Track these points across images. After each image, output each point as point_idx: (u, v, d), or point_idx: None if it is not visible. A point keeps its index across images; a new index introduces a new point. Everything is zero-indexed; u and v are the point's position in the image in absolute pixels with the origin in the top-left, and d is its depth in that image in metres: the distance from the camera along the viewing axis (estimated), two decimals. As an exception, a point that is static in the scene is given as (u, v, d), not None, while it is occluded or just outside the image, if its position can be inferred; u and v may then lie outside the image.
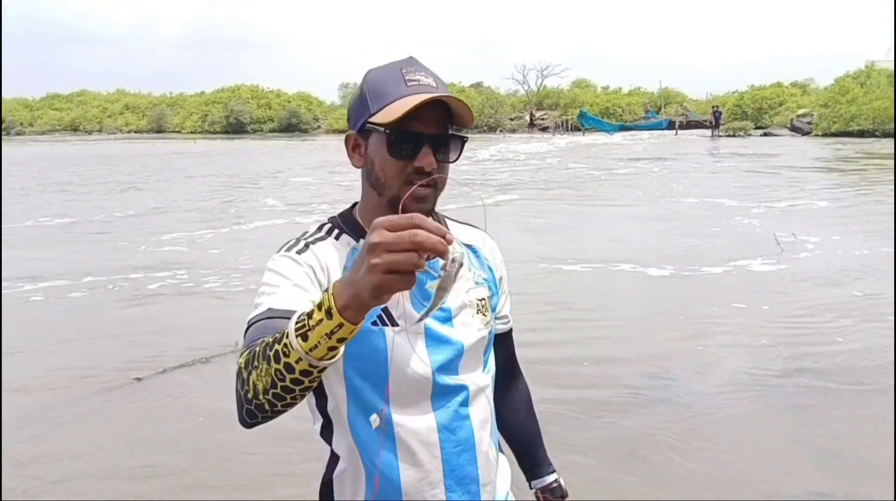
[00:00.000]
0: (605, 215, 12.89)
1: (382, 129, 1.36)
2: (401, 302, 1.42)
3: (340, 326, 1.08)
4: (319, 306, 1.10)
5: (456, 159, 1.43)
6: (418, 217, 1.04)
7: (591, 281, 7.92)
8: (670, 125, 48.66)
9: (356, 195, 1.58)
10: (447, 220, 1.60)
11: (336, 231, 1.49)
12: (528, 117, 55.86)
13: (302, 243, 1.44)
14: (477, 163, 25.63)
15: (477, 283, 1.55)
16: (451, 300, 1.47)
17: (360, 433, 1.43)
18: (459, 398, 1.48)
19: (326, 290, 1.12)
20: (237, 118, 65.14)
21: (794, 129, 41.54)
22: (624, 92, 61.49)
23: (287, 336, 1.13)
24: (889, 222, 11.19)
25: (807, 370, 5.23)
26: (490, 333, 1.56)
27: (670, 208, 13.62)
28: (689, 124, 49.07)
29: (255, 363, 1.17)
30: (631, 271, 8.42)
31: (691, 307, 6.90)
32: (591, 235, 11.00)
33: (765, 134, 41.31)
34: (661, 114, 52.90)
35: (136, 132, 68.95)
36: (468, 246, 1.58)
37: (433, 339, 1.45)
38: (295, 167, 24.78)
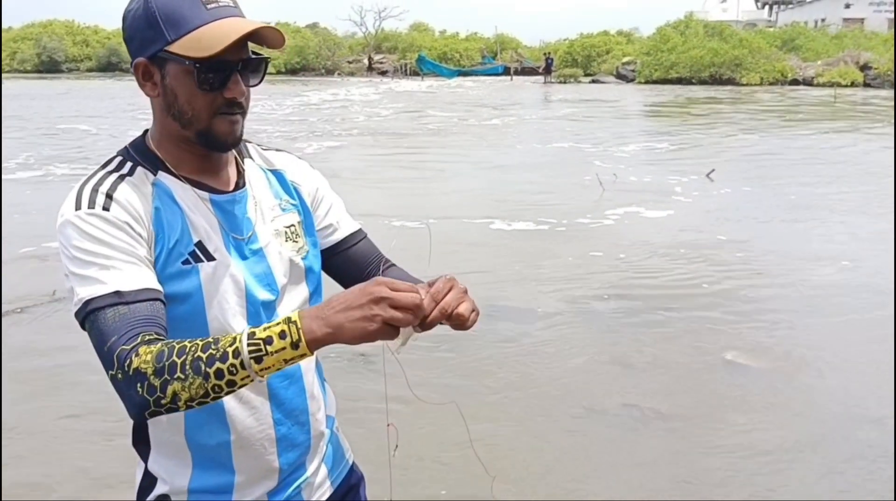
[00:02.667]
0: (468, 166, 13.05)
1: (188, 62, 1.27)
2: (210, 236, 1.36)
3: (304, 355, 1.13)
4: (281, 335, 1.12)
5: (259, 82, 1.38)
6: (422, 288, 1.15)
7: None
8: (506, 71, 49.64)
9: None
10: (253, 147, 1.54)
11: (129, 164, 1.35)
12: (366, 61, 55.10)
13: (102, 195, 1.27)
14: (312, 107, 25.13)
15: (283, 209, 1.49)
16: (260, 233, 1.42)
17: None
18: None
19: (289, 320, 1.13)
20: (50, 56, 60.02)
21: (620, 76, 43.54)
22: (461, 37, 61.89)
23: (236, 356, 1.12)
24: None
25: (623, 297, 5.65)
26: (306, 258, 1.49)
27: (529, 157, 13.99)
28: (524, 70, 50.24)
29: (180, 375, 1.13)
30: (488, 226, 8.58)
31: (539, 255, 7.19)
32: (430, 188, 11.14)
33: (593, 81, 43.03)
34: (497, 60, 53.80)
35: (-69, 70, 62.13)
36: (273, 171, 1.52)
37: (246, 275, 1.38)
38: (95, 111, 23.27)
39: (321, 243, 1.57)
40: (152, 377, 1.13)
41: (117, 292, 1.20)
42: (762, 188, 10.14)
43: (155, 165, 1.36)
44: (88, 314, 1.19)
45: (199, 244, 1.34)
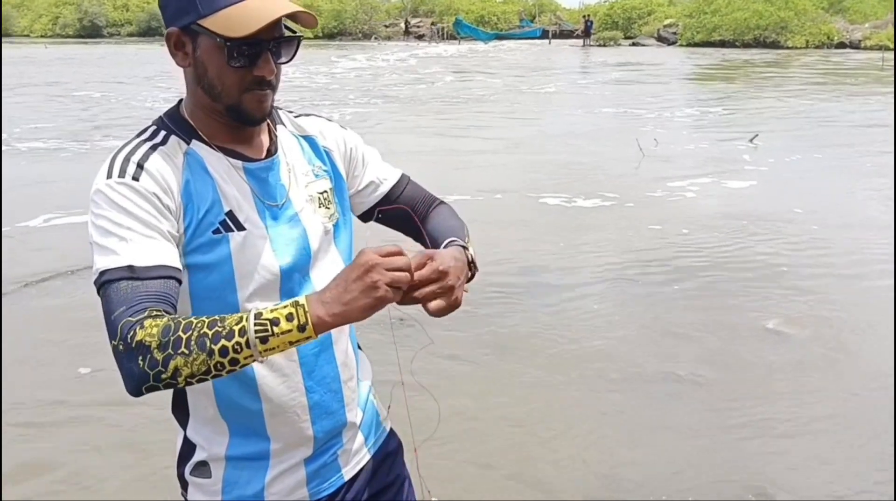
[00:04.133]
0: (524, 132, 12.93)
1: (219, 39, 1.27)
2: (241, 205, 1.36)
3: (309, 338, 1.17)
4: (289, 317, 1.15)
5: (290, 60, 1.37)
6: (425, 256, 1.23)
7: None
8: (544, 34, 48.93)
9: None
10: (284, 114, 1.54)
11: (163, 133, 1.36)
12: (403, 25, 54.73)
13: (133, 164, 1.28)
14: (353, 71, 25.07)
15: (316, 175, 1.49)
16: (294, 198, 1.43)
17: None
18: None
19: (297, 302, 1.17)
20: (92, 21, 60.68)
21: (661, 38, 42.69)
22: (499, 0, 61.14)
23: (241, 335, 1.14)
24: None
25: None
26: (337, 225, 1.50)
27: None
28: (562, 34, 49.50)
29: (184, 350, 1.14)
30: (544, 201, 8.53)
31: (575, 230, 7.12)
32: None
33: (633, 44, 42.27)
34: (535, 23, 53.05)
35: (-24, 36, 63.04)
36: (305, 137, 1.52)
37: (278, 242, 1.39)
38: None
39: (367, 200, 1.59)
40: (156, 350, 1.14)
41: (131, 267, 1.20)
42: (831, 157, 9.82)
43: (189, 134, 1.37)
44: (102, 285, 1.21)
45: (230, 214, 1.34)
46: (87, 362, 4.08)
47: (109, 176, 1.26)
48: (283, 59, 1.34)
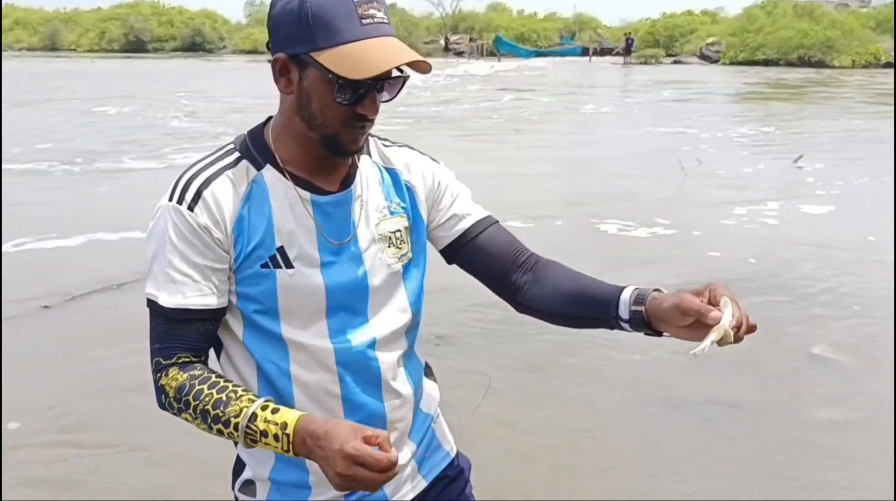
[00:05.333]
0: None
1: (332, 76, 1.25)
2: (295, 240, 1.35)
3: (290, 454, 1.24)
4: (276, 438, 1.23)
5: (393, 99, 1.34)
6: (393, 458, 1.18)
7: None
8: (584, 52, 48.82)
9: None
10: (374, 142, 1.50)
11: (236, 156, 1.36)
12: (442, 41, 55.02)
13: (193, 190, 1.30)
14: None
15: (392, 212, 1.45)
16: (361, 236, 1.40)
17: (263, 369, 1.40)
18: (366, 342, 1.40)
19: (285, 429, 1.22)
20: (137, 36, 61.74)
21: (703, 57, 42.30)
22: (539, 17, 61.24)
23: (235, 428, 1.25)
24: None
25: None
26: (407, 265, 1.46)
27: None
28: (602, 51, 49.35)
29: (191, 413, 1.29)
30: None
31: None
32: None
33: (675, 62, 41.98)
34: (576, 40, 52.98)
35: (28, 50, 64.69)
36: (389, 170, 1.48)
37: (333, 280, 1.37)
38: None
39: (448, 234, 1.52)
40: (172, 399, 1.31)
41: (167, 314, 1.31)
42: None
43: (265, 158, 1.36)
44: (149, 308, 1.33)
45: (281, 250, 1.34)
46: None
47: (171, 198, 1.31)
48: (387, 98, 1.33)
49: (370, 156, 1.46)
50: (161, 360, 1.32)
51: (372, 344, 1.41)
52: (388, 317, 1.43)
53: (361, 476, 1.16)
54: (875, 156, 11.21)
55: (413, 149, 1.54)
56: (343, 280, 1.37)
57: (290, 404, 1.35)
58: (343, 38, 1.24)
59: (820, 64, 36.60)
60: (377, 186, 1.44)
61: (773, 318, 4.92)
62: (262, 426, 1.23)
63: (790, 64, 37.21)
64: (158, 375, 1.32)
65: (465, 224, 1.51)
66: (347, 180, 1.40)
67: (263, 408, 1.25)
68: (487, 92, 23.70)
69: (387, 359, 1.43)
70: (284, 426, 1.22)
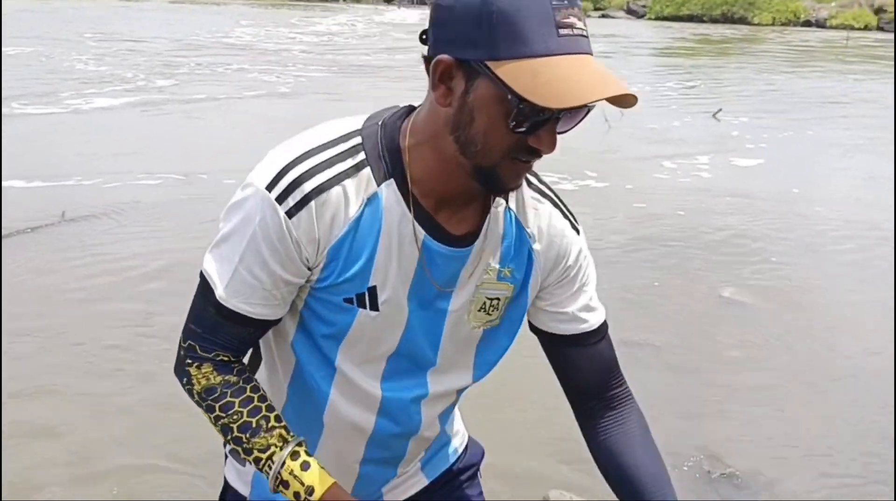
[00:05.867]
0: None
1: (512, 97, 0.97)
2: (390, 282, 1.15)
3: None
4: (295, 495, 1.13)
5: (570, 130, 1.07)
6: None
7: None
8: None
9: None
10: (534, 186, 1.24)
11: (361, 157, 1.11)
12: (370, -12, 53.84)
13: (300, 194, 1.07)
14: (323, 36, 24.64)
15: (500, 278, 1.22)
16: (457, 293, 1.20)
17: (304, 369, 1.25)
18: (416, 396, 1.27)
19: (310, 497, 1.12)
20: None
21: (630, 11, 42.70)
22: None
23: (255, 462, 1.16)
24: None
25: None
26: (489, 331, 1.27)
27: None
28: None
29: (212, 418, 1.18)
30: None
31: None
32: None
33: (602, 16, 42.24)
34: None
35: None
36: (520, 228, 1.22)
37: (411, 330, 1.21)
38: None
39: (547, 325, 1.30)
40: (196, 395, 1.18)
41: (227, 309, 1.14)
42: (809, 131, 10.06)
43: (393, 169, 1.12)
44: (200, 284, 1.16)
45: (372, 290, 1.15)
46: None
47: (272, 187, 1.08)
48: (564, 129, 1.05)
49: (507, 202, 1.21)
50: (198, 348, 1.17)
51: (421, 398, 1.28)
52: (449, 377, 1.29)
53: None
54: (796, 111, 11.68)
55: (558, 206, 1.26)
56: (420, 332, 1.21)
57: (316, 420, 1.27)
58: (533, 50, 0.97)
59: (742, 20, 37.49)
60: (497, 243, 1.20)
61: (691, 265, 5.26)
62: (285, 476, 1.13)
63: (714, 20, 38.00)
64: (190, 361, 1.17)
65: (575, 328, 1.28)
66: (476, 233, 1.17)
67: (293, 456, 1.14)
68: (413, 40, 23.35)
69: (430, 413, 1.31)
70: (310, 490, 1.12)
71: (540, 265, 1.24)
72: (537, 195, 1.23)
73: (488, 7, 0.97)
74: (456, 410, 1.45)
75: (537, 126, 1.01)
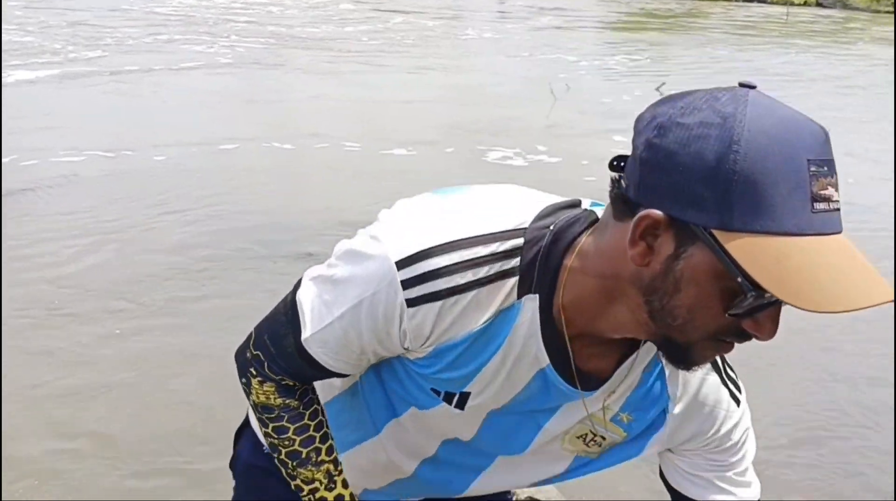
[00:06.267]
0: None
1: (743, 279, 0.79)
2: (489, 394, 1.04)
3: None
4: None
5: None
6: None
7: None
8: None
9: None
10: (721, 373, 1.08)
11: (511, 265, 0.95)
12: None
13: (429, 286, 0.94)
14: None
15: (614, 420, 1.07)
16: (560, 417, 1.07)
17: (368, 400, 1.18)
18: (469, 468, 1.20)
19: None
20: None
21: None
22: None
23: (297, 490, 1.12)
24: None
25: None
26: (579, 460, 1.15)
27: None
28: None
29: (264, 435, 1.15)
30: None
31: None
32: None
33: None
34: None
35: None
36: (657, 383, 1.06)
37: (488, 432, 1.10)
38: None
39: (678, 483, 1.16)
40: (252, 403, 1.14)
41: (308, 354, 1.05)
42: None
43: (540, 287, 0.95)
44: (290, 308, 1.06)
45: (464, 395, 1.04)
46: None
47: (401, 266, 0.93)
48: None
49: (656, 361, 1.05)
50: (265, 366, 1.09)
51: (474, 475, 1.20)
52: (498, 483, 1.21)
53: None
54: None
55: (719, 371, 1.08)
56: (496, 433, 1.10)
57: (352, 439, 1.20)
58: (781, 225, 0.77)
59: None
60: (630, 387, 1.05)
61: None
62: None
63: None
64: (254, 372, 1.11)
65: (711, 497, 1.13)
66: (610, 370, 1.03)
67: (337, 499, 1.10)
68: (363, 13, 23.01)
69: (480, 487, 1.23)
70: None
71: (668, 431, 1.08)
72: (699, 382, 1.06)
73: (728, 166, 0.77)
74: None
75: (758, 310, 0.82)
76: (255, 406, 1.14)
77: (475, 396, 1.03)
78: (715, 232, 0.78)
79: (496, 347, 0.98)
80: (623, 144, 7.88)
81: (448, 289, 0.93)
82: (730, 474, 1.12)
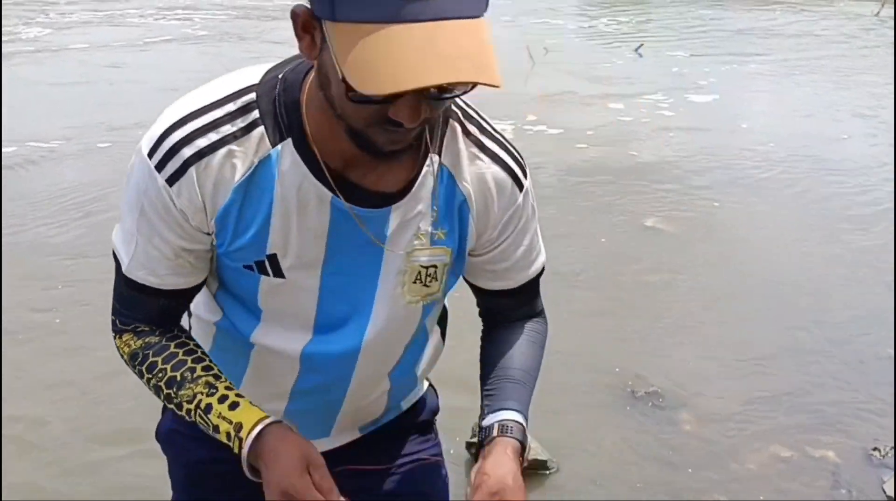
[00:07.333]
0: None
1: (341, 76, 0.84)
2: (294, 250, 1.06)
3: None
4: (227, 436, 1.05)
5: (463, 94, 0.93)
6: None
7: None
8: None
9: None
10: (461, 133, 1.10)
11: (254, 117, 1.00)
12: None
13: (179, 161, 0.99)
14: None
15: (434, 242, 1.10)
16: (386, 263, 1.10)
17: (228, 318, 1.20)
18: (342, 351, 1.18)
19: (239, 431, 1.04)
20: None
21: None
22: None
23: (187, 414, 1.09)
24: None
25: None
26: (429, 306, 1.18)
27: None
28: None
29: (144, 382, 1.14)
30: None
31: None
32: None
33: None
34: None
35: None
36: (454, 185, 1.10)
37: (330, 305, 1.13)
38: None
39: (476, 280, 1.23)
40: (127, 361, 1.15)
41: (134, 282, 1.09)
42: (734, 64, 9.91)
43: (290, 128, 1.00)
44: (114, 259, 1.12)
45: (272, 258, 1.06)
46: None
47: (152, 153, 1.00)
48: (450, 95, 0.92)
49: (441, 156, 1.08)
50: (118, 322, 1.15)
51: (350, 367, 1.20)
52: (381, 348, 1.20)
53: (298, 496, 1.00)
54: (729, 45, 11.47)
55: (503, 161, 1.12)
56: (342, 299, 1.12)
57: (239, 372, 1.22)
58: (369, 13, 0.80)
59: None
60: (428, 202, 1.08)
61: (617, 198, 5.33)
62: (215, 420, 1.06)
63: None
64: (114, 334, 1.16)
65: (497, 285, 1.22)
66: (404, 190, 1.06)
67: (221, 399, 1.06)
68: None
69: (366, 377, 1.23)
70: (238, 427, 1.04)
71: (473, 227, 1.12)
72: (475, 149, 1.10)
73: None
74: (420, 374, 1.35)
75: (388, 99, 0.86)
76: (127, 362, 1.14)
77: (283, 256, 1.05)
78: (327, 22, 0.84)
79: (270, 198, 1.02)
80: (619, 109, 7.52)
81: (194, 155, 0.98)
82: (522, 258, 1.19)
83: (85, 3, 13.55)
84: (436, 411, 1.45)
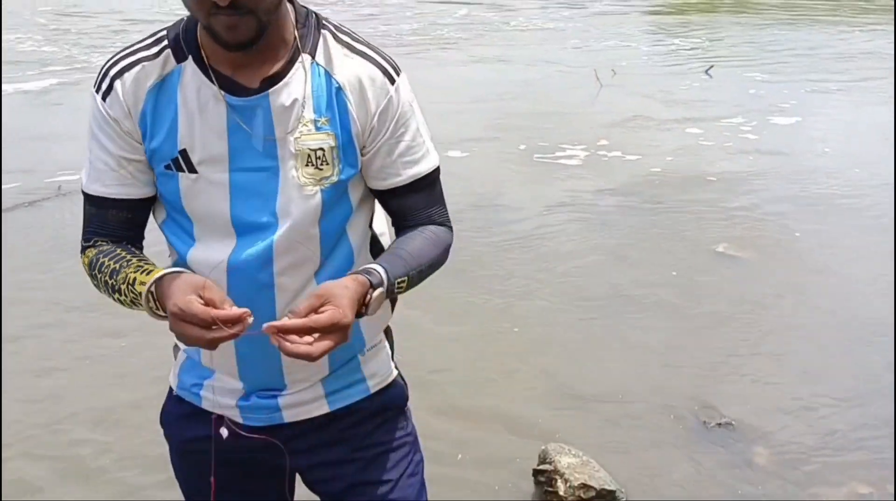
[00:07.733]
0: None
1: None
2: (200, 143, 1.26)
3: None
4: (146, 299, 1.21)
5: None
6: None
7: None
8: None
9: None
10: (332, 39, 1.30)
11: (163, 44, 1.27)
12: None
13: (109, 79, 1.27)
14: None
15: (318, 128, 1.27)
16: (279, 147, 1.26)
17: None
18: (263, 265, 1.29)
19: (150, 288, 1.20)
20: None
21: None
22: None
23: (124, 295, 1.25)
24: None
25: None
26: (327, 190, 1.29)
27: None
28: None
29: (99, 284, 1.31)
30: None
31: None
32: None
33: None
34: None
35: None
36: (330, 77, 1.28)
37: (242, 194, 1.28)
38: None
39: (372, 183, 1.36)
40: (88, 275, 1.34)
41: (91, 196, 1.33)
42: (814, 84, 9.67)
43: (191, 48, 1.26)
44: (82, 191, 1.34)
45: (184, 153, 1.27)
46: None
47: (95, 83, 1.30)
48: None
49: (314, 56, 1.28)
50: (83, 242, 1.36)
51: (269, 271, 1.29)
52: (295, 246, 1.29)
53: (188, 334, 1.12)
54: (804, 65, 11.22)
55: (373, 59, 1.31)
56: (251, 194, 1.27)
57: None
58: None
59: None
60: (308, 93, 1.27)
61: (685, 220, 5.29)
62: (139, 288, 1.22)
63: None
64: (81, 257, 1.36)
65: (387, 184, 1.35)
66: (273, 80, 1.25)
67: (144, 271, 1.23)
68: (420, 6, 22.80)
69: (290, 286, 1.32)
70: (144, 282, 1.22)
71: (354, 114, 1.28)
72: (346, 50, 1.30)
73: None
74: (380, 352, 1.47)
75: None
76: (89, 275, 1.33)
77: (192, 151, 1.26)
78: None
79: (175, 102, 1.26)
80: (697, 134, 7.38)
81: (117, 72, 1.27)
82: (408, 148, 1.33)
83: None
84: (406, 398, 1.53)
